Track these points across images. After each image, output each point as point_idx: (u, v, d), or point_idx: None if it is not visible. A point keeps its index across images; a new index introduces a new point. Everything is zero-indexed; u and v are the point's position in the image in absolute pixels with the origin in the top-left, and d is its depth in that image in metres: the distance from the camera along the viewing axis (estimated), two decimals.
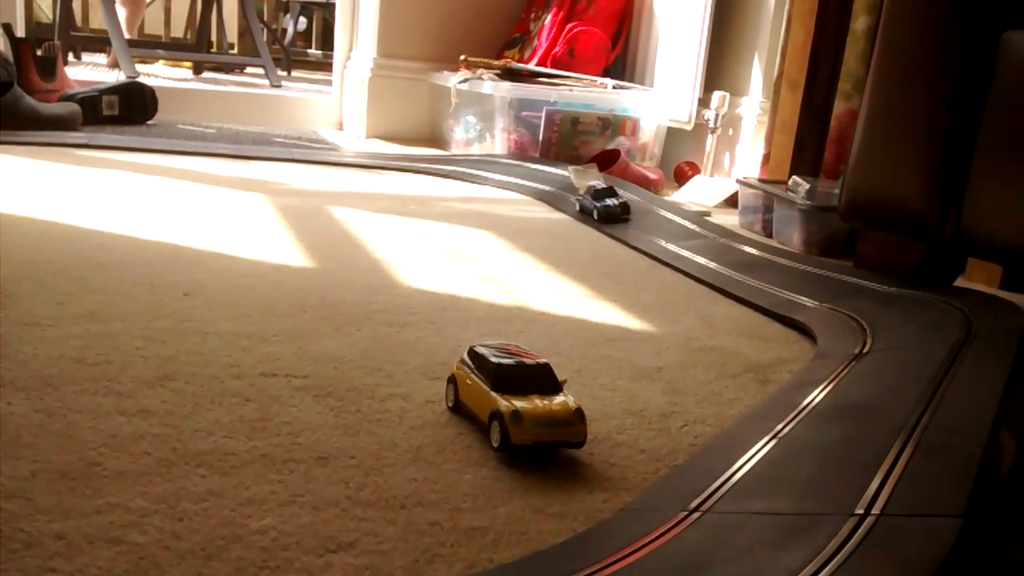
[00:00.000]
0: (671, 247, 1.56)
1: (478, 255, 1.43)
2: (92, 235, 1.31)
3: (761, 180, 2.00)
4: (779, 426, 0.76)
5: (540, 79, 2.51)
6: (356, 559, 0.55)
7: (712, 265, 1.44)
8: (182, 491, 0.62)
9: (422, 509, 0.63)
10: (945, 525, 0.51)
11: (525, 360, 0.76)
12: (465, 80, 2.51)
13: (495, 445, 0.72)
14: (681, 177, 2.43)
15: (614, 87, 2.52)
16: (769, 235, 1.84)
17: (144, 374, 0.82)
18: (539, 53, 2.66)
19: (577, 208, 1.84)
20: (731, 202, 2.13)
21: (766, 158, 2.19)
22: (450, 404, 0.80)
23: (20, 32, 2.74)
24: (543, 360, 0.77)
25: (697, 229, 1.69)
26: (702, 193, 2.19)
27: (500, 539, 0.60)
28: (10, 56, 2.36)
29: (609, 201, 1.79)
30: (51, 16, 4.49)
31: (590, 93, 2.45)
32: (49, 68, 2.48)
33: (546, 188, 2.05)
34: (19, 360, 0.82)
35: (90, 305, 0.99)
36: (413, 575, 0.55)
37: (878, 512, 0.55)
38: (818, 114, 2.05)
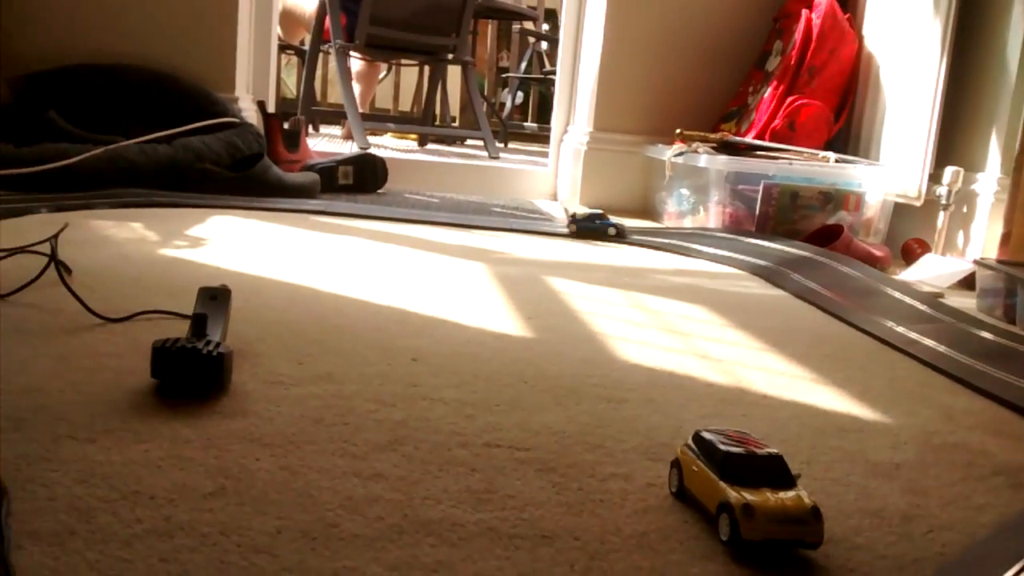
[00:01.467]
0: (901, 330, 1.47)
1: (694, 331, 1.40)
2: (329, 298, 1.40)
3: (1000, 261, 1.86)
4: None
5: (758, 152, 2.46)
6: None
7: (949, 352, 1.35)
8: (413, 559, 0.63)
9: None
10: None
11: (755, 450, 0.73)
12: (680, 153, 2.51)
13: (724, 539, 0.69)
14: (909, 255, 2.30)
15: (836, 161, 2.43)
16: (1012, 322, 1.69)
17: (376, 437, 0.85)
18: (757, 126, 2.62)
19: (568, 227, 2.31)
20: (966, 284, 1.99)
21: (1005, 238, 2.03)
22: (673, 490, 0.78)
23: (271, 108, 3.01)
24: (775, 451, 0.74)
25: (931, 312, 1.58)
26: (934, 273, 2.06)
27: None
28: (261, 129, 2.59)
29: (597, 221, 2.28)
30: (294, 91, 4.90)
31: (811, 167, 2.38)
32: (294, 140, 2.70)
33: (761, 263, 1.99)
34: (266, 417, 0.88)
35: (327, 366, 1.05)
36: None
37: None
38: None
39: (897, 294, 1.71)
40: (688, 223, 2.54)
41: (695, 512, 0.75)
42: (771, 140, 2.54)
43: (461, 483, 0.77)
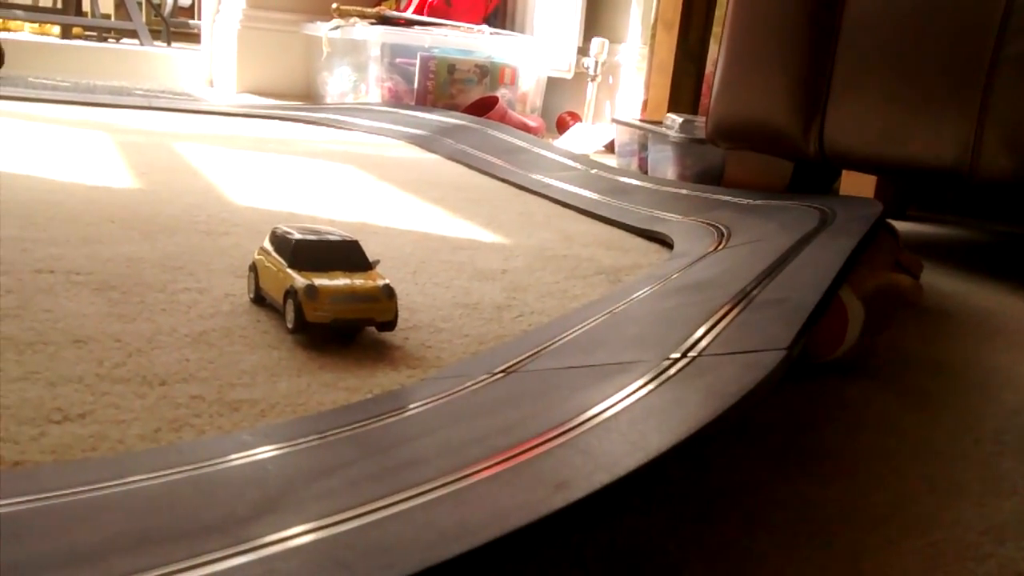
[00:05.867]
0: (538, 177, 1.49)
1: (334, 183, 1.33)
2: None
3: (639, 120, 1.96)
4: (616, 306, 0.69)
5: (416, 26, 2.41)
6: (82, 429, 0.46)
7: (579, 191, 1.38)
8: None
9: (186, 385, 0.53)
10: (765, 357, 0.45)
11: (330, 237, 0.68)
12: (337, 27, 2.40)
13: (290, 326, 0.63)
14: (563, 127, 2.38)
15: (491, 34, 2.44)
16: (645, 173, 1.79)
17: None
18: (416, 2, 2.56)
19: None
20: (611, 148, 2.08)
21: (645, 104, 2.14)
22: (252, 295, 0.71)
23: None
24: (351, 238, 0.68)
25: (567, 162, 1.62)
26: (582, 140, 2.14)
27: (271, 410, 0.51)
28: None
29: None
30: None
31: (466, 38, 2.37)
32: None
33: (420, 132, 1.96)
34: None
35: None
36: (149, 443, 0.46)
37: (696, 354, 0.48)
38: (693, 55, 2.01)
39: (540, 150, 1.74)
40: (350, 101, 2.45)
41: (273, 313, 0.68)
42: (429, 15, 2.50)
43: None
